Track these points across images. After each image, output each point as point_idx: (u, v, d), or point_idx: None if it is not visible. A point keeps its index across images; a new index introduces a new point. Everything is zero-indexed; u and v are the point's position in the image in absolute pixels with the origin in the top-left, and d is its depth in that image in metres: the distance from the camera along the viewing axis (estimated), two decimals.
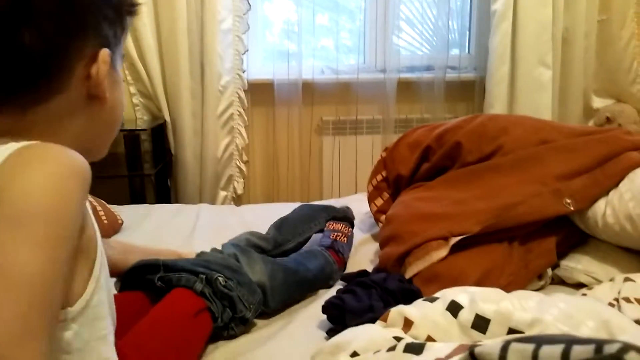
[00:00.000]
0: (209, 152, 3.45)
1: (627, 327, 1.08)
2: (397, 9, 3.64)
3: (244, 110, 3.51)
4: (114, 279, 1.49)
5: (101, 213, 2.25)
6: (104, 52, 0.88)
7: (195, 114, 3.40)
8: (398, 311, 1.24)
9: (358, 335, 1.16)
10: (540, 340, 0.64)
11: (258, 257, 1.65)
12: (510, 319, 1.12)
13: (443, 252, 1.69)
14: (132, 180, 3.23)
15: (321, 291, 1.79)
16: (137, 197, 3.20)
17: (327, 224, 2.11)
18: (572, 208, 1.74)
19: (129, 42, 3.22)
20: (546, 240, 1.76)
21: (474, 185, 1.91)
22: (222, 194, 3.58)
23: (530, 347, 0.64)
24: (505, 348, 0.66)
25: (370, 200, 2.31)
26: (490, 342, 0.71)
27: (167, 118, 3.38)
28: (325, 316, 1.51)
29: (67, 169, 0.76)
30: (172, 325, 1.31)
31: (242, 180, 3.63)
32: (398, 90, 3.71)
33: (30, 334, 0.66)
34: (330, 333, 1.44)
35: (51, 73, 0.84)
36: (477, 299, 1.19)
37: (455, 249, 1.69)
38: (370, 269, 1.85)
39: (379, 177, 2.31)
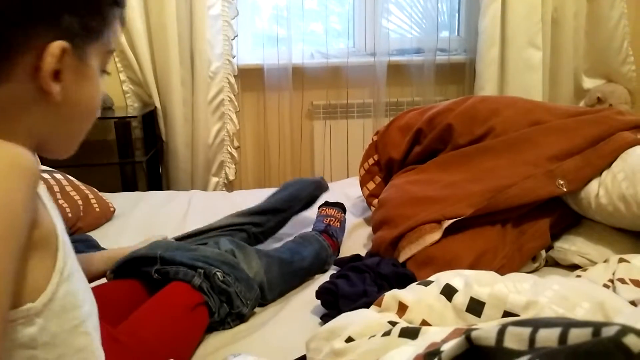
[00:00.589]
0: (200, 138, 3.44)
1: (622, 308, 1.08)
2: None
3: (234, 96, 3.50)
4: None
5: (93, 201, 2.24)
6: (55, 45, 0.82)
7: (185, 101, 3.39)
8: (392, 295, 1.24)
9: (353, 321, 1.15)
10: (537, 324, 0.64)
11: (253, 252, 1.64)
12: (505, 301, 1.12)
13: (436, 236, 1.69)
14: (123, 168, 3.21)
15: (315, 276, 1.79)
16: (128, 185, 3.19)
17: (319, 210, 2.11)
18: (565, 189, 1.74)
19: None
20: (539, 222, 1.76)
21: (466, 168, 1.90)
22: (214, 180, 3.57)
23: (527, 331, 0.63)
24: (502, 332, 0.66)
25: (362, 184, 2.30)
26: (487, 326, 0.71)
27: (158, 105, 3.37)
28: (319, 301, 1.51)
29: (6, 166, 0.73)
30: (169, 316, 1.30)
31: (233, 166, 3.62)
32: (388, 74, 3.70)
33: None
34: (325, 318, 1.45)
35: None
36: (471, 282, 1.19)
37: (448, 232, 1.69)
38: (363, 253, 1.85)
39: (371, 161, 2.30)
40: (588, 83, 3.85)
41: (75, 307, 0.87)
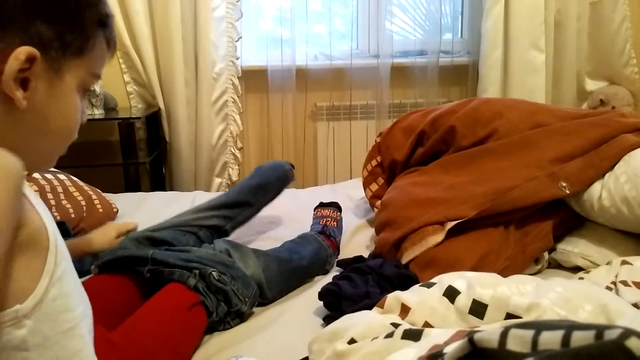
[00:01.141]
0: (203, 139, 3.44)
1: (625, 311, 1.08)
2: None
3: (238, 97, 3.51)
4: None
5: (96, 202, 2.25)
6: (21, 50, 0.82)
7: (189, 102, 3.40)
8: (395, 297, 1.24)
9: (355, 322, 1.15)
10: (540, 326, 0.64)
11: (249, 251, 1.65)
12: (507, 303, 1.12)
13: (439, 237, 1.69)
14: (126, 169, 3.22)
15: (317, 277, 1.79)
16: (132, 185, 3.20)
17: (315, 211, 2.11)
18: (567, 191, 1.74)
19: (122, 30, 3.21)
20: (542, 224, 1.76)
21: (469, 170, 1.91)
22: (217, 180, 3.58)
23: (530, 333, 0.64)
24: (505, 334, 0.66)
25: (366, 185, 2.30)
26: (490, 328, 0.71)
27: (162, 106, 3.37)
28: (321, 303, 1.51)
29: None
30: (165, 317, 1.30)
31: (236, 167, 3.63)
32: (391, 75, 3.70)
33: None
34: (327, 320, 1.45)
35: None
36: (474, 284, 1.19)
37: (451, 234, 1.69)
38: (366, 254, 1.85)
39: (374, 163, 2.30)
40: (591, 85, 3.85)
41: (68, 310, 0.87)
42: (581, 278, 1.56)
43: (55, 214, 1.98)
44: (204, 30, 3.28)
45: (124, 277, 1.47)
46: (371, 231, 2.12)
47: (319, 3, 3.72)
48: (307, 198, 2.60)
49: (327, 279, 1.70)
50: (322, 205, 2.13)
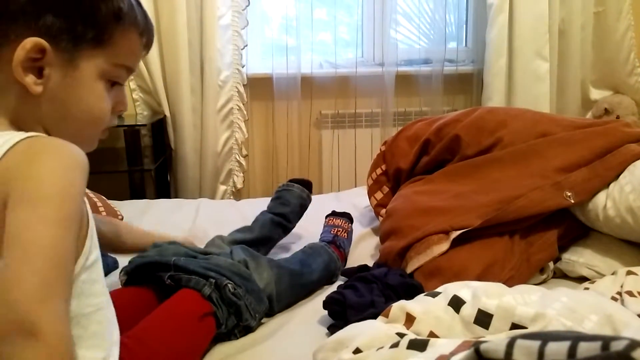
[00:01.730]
0: (208, 146, 3.45)
1: (631, 321, 1.08)
2: (394, 2, 3.64)
3: (243, 104, 3.51)
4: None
5: (101, 208, 2.25)
6: (27, 41, 0.90)
7: (195, 109, 3.40)
8: (400, 307, 1.24)
9: (360, 332, 1.15)
10: (546, 337, 0.64)
11: (265, 262, 1.63)
12: (513, 313, 1.12)
13: (444, 246, 1.69)
14: (132, 176, 3.22)
15: (323, 287, 1.79)
16: (137, 192, 3.20)
17: (326, 219, 2.10)
18: (572, 201, 1.74)
19: None
20: (547, 234, 1.76)
21: (474, 179, 1.91)
22: (222, 188, 3.58)
23: (536, 344, 0.64)
24: (511, 345, 0.66)
25: (370, 194, 2.30)
26: (496, 339, 0.71)
27: (167, 113, 3.38)
28: (326, 312, 1.51)
29: (71, 161, 0.88)
30: (176, 323, 1.30)
31: (241, 174, 3.63)
32: (396, 84, 3.71)
33: (50, 295, 0.77)
34: (332, 329, 1.44)
35: None
36: (479, 293, 1.19)
37: (456, 243, 1.69)
38: (370, 263, 1.85)
39: (379, 171, 2.30)
40: (595, 94, 3.85)
41: (92, 294, 0.94)
42: (586, 288, 1.56)
43: None
44: (210, 38, 3.29)
45: (143, 289, 1.47)
46: (376, 240, 2.12)
47: (324, 11, 3.72)
48: (312, 206, 2.59)
49: (332, 287, 1.70)
50: (334, 214, 2.12)
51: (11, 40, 0.90)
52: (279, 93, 3.61)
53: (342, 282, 1.66)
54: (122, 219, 2.36)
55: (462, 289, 1.24)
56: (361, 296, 1.49)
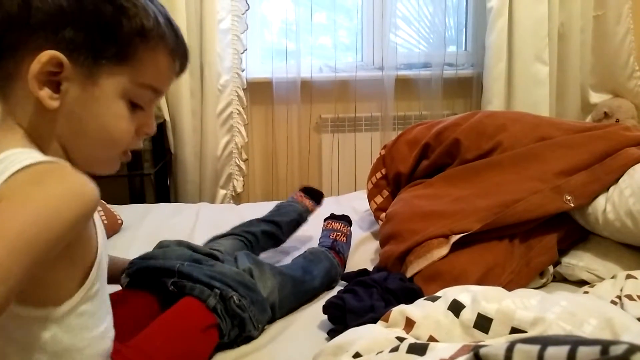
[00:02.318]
0: (208, 150, 3.45)
1: (631, 325, 1.08)
2: (394, 6, 3.64)
3: (243, 108, 3.51)
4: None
5: (101, 213, 2.24)
6: (43, 54, 0.87)
7: (194, 113, 3.40)
8: (399, 311, 1.24)
9: (360, 336, 1.15)
10: (545, 341, 0.64)
11: (269, 270, 1.61)
12: (512, 318, 1.12)
13: (444, 250, 1.69)
14: (131, 180, 3.22)
15: None
16: (136, 197, 3.20)
17: (325, 223, 2.10)
18: (572, 205, 1.74)
19: None
20: (547, 238, 1.76)
21: (474, 183, 1.91)
22: (222, 192, 3.58)
23: (535, 348, 0.64)
24: (510, 349, 0.66)
25: (370, 198, 2.30)
26: (495, 343, 0.71)
27: (167, 117, 3.38)
28: (326, 316, 1.50)
29: (70, 194, 0.81)
30: (179, 335, 1.29)
31: (241, 178, 3.63)
32: (396, 88, 3.71)
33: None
34: (331, 334, 1.44)
35: None
36: (479, 298, 1.19)
37: (456, 247, 1.69)
38: (370, 267, 1.85)
39: (379, 175, 2.30)
40: (595, 98, 3.85)
41: (87, 328, 0.92)
42: (586, 292, 1.56)
43: None
44: (210, 42, 3.29)
45: (149, 294, 1.45)
46: (376, 244, 2.12)
47: (323, 15, 3.73)
48: None
49: (332, 292, 1.70)
50: (333, 217, 2.11)
51: (29, 53, 0.87)
52: (279, 97, 3.61)
53: (342, 287, 1.66)
54: (121, 223, 2.36)
55: (462, 293, 1.24)
56: (361, 300, 1.49)
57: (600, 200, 1.73)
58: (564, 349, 0.61)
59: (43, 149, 0.91)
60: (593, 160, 1.81)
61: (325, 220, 2.11)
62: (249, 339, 1.47)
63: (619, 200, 1.68)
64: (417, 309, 1.23)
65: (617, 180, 1.74)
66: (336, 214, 2.15)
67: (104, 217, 2.24)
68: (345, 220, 2.10)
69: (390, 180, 2.25)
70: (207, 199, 3.49)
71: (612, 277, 1.59)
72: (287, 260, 1.89)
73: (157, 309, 1.42)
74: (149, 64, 0.98)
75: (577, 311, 1.13)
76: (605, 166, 1.78)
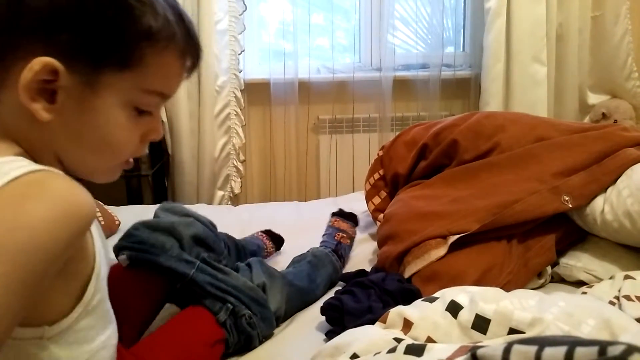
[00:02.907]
0: (206, 152, 3.44)
1: (629, 326, 1.08)
2: (392, 7, 3.64)
3: (240, 110, 3.51)
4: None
5: (98, 214, 2.24)
6: (37, 60, 0.78)
7: (192, 114, 3.40)
8: (397, 312, 1.24)
9: (358, 337, 1.15)
10: (543, 342, 0.64)
11: (280, 282, 1.58)
12: (510, 318, 1.12)
13: (442, 251, 1.68)
14: (129, 181, 3.21)
15: None
16: (134, 198, 3.20)
17: (332, 219, 2.06)
18: (570, 205, 1.74)
19: None
20: (545, 238, 1.76)
21: (472, 183, 1.91)
22: (220, 193, 3.58)
23: (533, 349, 0.63)
24: (507, 350, 0.66)
25: (368, 198, 2.30)
26: (493, 344, 0.71)
27: (164, 118, 3.37)
28: (323, 317, 1.50)
29: (60, 213, 0.74)
30: (187, 351, 1.28)
31: (239, 179, 3.62)
32: (394, 89, 3.70)
33: None
34: (329, 335, 1.44)
35: None
36: (476, 298, 1.19)
37: (454, 248, 1.69)
38: (368, 268, 1.85)
39: (376, 176, 2.30)
40: (593, 99, 3.84)
41: (86, 341, 0.88)
42: (584, 292, 1.56)
43: None
44: (207, 43, 3.28)
45: (153, 277, 1.39)
46: (373, 245, 2.12)
47: (321, 16, 3.73)
48: (309, 211, 2.60)
49: (330, 293, 1.70)
50: (341, 215, 2.08)
51: (19, 58, 0.79)
52: (277, 98, 3.60)
53: (340, 287, 1.66)
54: (119, 224, 2.36)
55: (460, 294, 1.24)
56: (359, 302, 1.49)
57: (598, 201, 1.73)
58: (561, 350, 0.61)
59: (36, 161, 0.82)
60: (591, 160, 1.81)
61: (332, 215, 2.08)
62: (250, 349, 1.45)
63: (617, 200, 1.68)
64: (415, 310, 1.23)
65: (615, 181, 1.74)
66: (345, 210, 2.11)
67: (101, 219, 2.23)
68: (352, 220, 2.07)
69: (388, 181, 2.25)
70: (205, 200, 3.49)
71: (610, 278, 1.59)
72: (287, 258, 1.88)
73: (161, 291, 1.40)
74: (157, 68, 0.89)
75: (575, 312, 1.12)
76: (604, 167, 1.78)
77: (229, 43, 3.37)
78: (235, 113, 3.49)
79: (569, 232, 1.81)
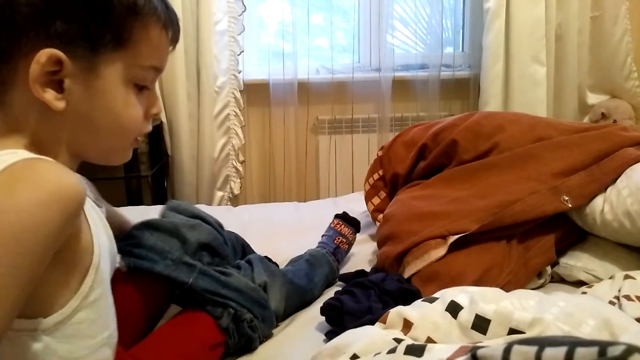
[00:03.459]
0: (205, 152, 3.44)
1: (629, 326, 1.08)
2: (391, 8, 3.64)
3: (240, 110, 3.51)
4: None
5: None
6: (42, 52, 0.82)
7: (191, 115, 3.40)
8: (397, 312, 1.23)
9: (358, 338, 1.15)
10: (543, 342, 0.64)
11: (280, 281, 1.58)
12: (510, 319, 1.12)
13: (441, 251, 1.68)
14: (128, 182, 3.21)
15: None
16: (134, 199, 3.19)
17: (334, 221, 2.05)
18: (570, 205, 1.74)
19: None
20: (545, 238, 1.76)
21: (471, 184, 1.91)
22: (219, 194, 3.57)
23: (533, 349, 0.63)
24: (508, 350, 0.66)
25: (367, 199, 2.30)
26: (493, 344, 0.71)
27: (164, 119, 3.37)
28: (323, 318, 1.50)
29: (47, 195, 0.75)
30: (187, 352, 1.28)
31: (238, 180, 3.62)
32: (393, 89, 3.70)
33: None
34: (329, 335, 1.44)
35: None
36: (476, 299, 1.19)
37: (453, 248, 1.69)
38: (368, 268, 1.85)
39: (376, 176, 2.30)
40: (592, 99, 3.85)
41: (89, 336, 0.88)
42: (584, 292, 1.56)
43: None
44: (206, 44, 3.28)
45: (152, 283, 1.37)
46: (373, 245, 2.11)
47: (320, 17, 3.73)
48: (309, 212, 2.60)
49: (329, 293, 1.69)
50: (345, 218, 2.07)
51: (24, 54, 0.82)
52: (276, 99, 3.61)
53: (339, 288, 1.66)
54: None
55: (460, 294, 1.24)
56: (358, 302, 1.49)
57: (598, 201, 1.73)
58: (561, 350, 0.61)
59: (42, 154, 0.85)
60: (591, 160, 1.81)
61: (336, 216, 2.07)
62: (250, 351, 1.45)
63: (616, 200, 1.68)
64: (415, 310, 1.23)
65: (614, 181, 1.74)
66: (349, 215, 2.10)
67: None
68: (355, 227, 2.05)
69: (387, 182, 2.25)
70: (204, 201, 3.49)
71: (610, 278, 1.59)
72: (286, 258, 1.88)
73: (163, 293, 1.40)
74: (146, 42, 0.94)
75: (575, 312, 1.12)
76: (603, 166, 1.78)
77: (228, 44, 3.36)
78: (234, 114, 3.49)
79: (569, 232, 1.81)
